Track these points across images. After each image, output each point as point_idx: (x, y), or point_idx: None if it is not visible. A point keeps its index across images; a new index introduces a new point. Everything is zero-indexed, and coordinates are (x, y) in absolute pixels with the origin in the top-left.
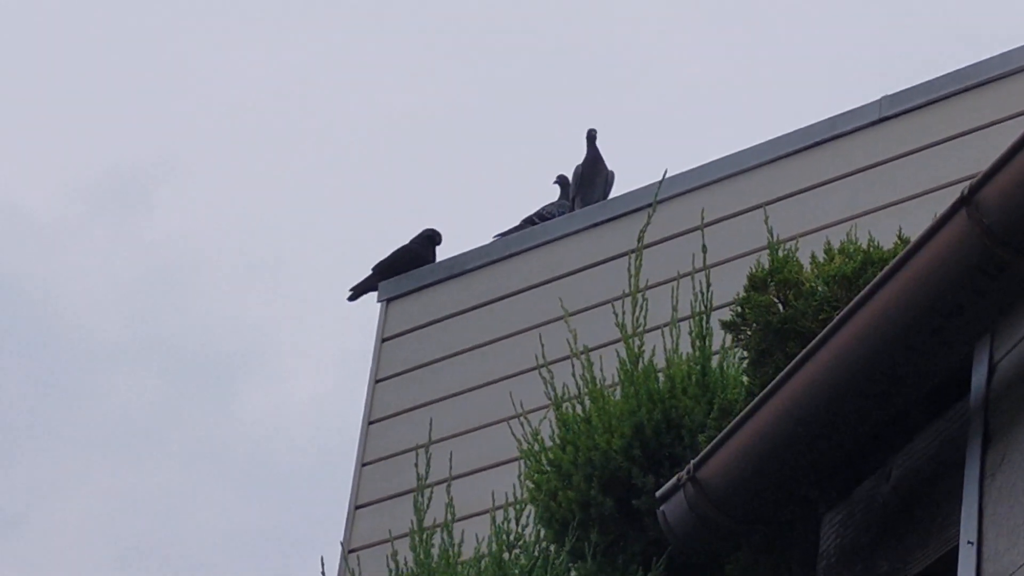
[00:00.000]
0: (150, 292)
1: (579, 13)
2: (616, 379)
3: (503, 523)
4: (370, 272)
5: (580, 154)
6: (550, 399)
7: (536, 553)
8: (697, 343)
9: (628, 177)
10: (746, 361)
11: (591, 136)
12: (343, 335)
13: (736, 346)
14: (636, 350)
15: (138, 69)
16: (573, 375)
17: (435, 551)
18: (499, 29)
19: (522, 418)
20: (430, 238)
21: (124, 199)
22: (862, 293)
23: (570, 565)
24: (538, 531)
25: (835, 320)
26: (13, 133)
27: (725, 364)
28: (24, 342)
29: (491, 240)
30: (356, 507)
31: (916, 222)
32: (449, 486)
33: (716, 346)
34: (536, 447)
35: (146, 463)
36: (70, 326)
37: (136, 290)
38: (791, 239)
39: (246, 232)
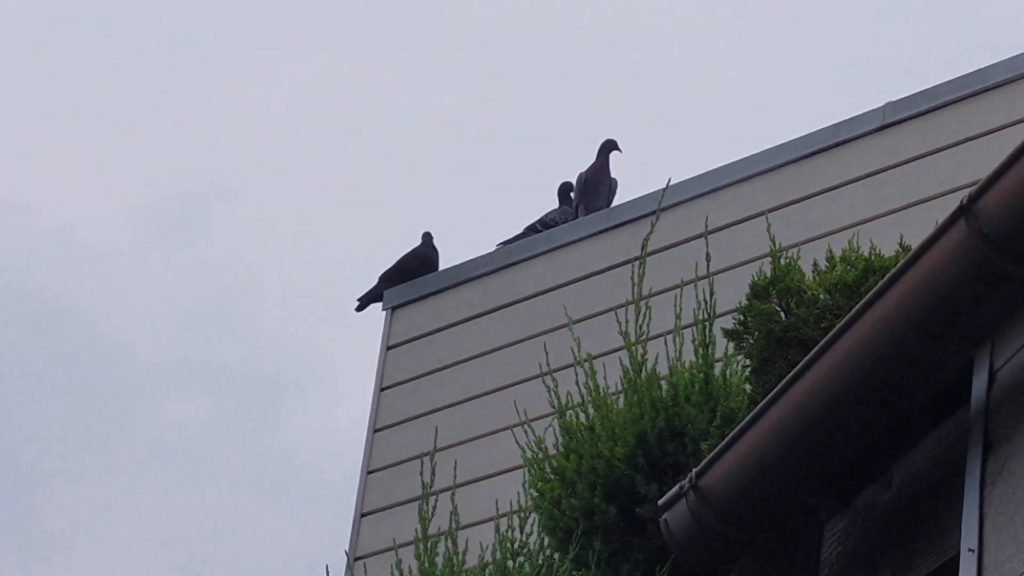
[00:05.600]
0: (203, 315)
1: (582, 23)
2: (619, 387)
3: (507, 531)
4: (377, 281)
5: (582, 162)
6: (554, 407)
7: (540, 561)
8: (700, 351)
9: (632, 185)
10: (748, 369)
11: (608, 146)
12: None
13: (738, 354)
14: (639, 358)
15: (191, 95)
16: (577, 383)
17: (439, 559)
18: (502, 41)
19: (526, 426)
20: (430, 243)
21: (178, 223)
22: (863, 301)
23: (574, 573)
24: (542, 539)
25: (836, 328)
26: (69, 158)
27: (728, 372)
28: (76, 364)
29: (494, 248)
30: (362, 515)
31: (919, 229)
32: (453, 494)
33: (719, 354)
34: (540, 455)
35: (196, 484)
36: (122, 348)
37: (189, 313)
38: (793, 247)
39: (299, 253)
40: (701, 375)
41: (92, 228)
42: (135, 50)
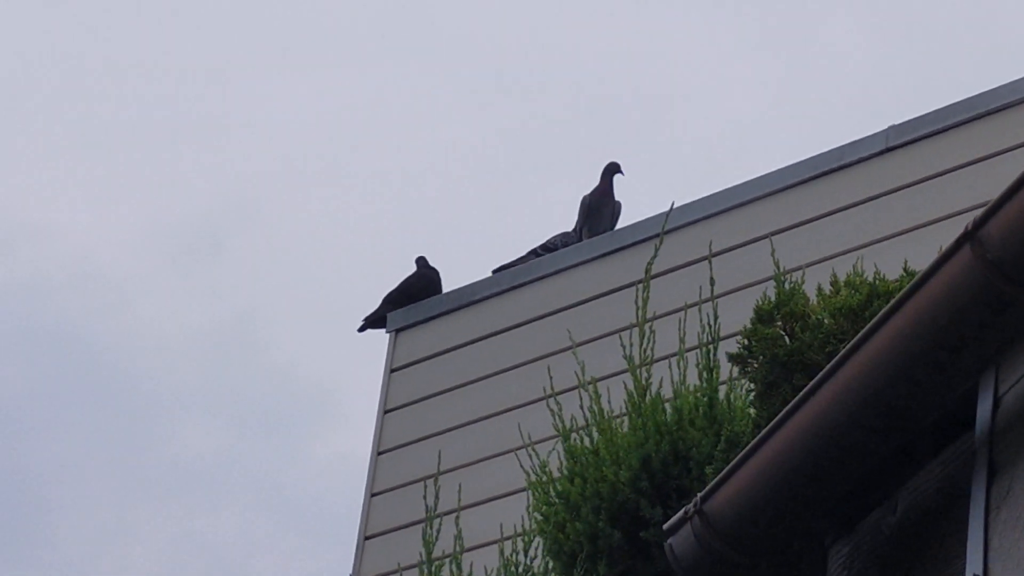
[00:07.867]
0: (218, 340)
1: (587, 47)
2: (624, 410)
3: (511, 555)
4: (380, 303)
5: (586, 185)
6: (558, 430)
7: None
8: (704, 374)
9: (636, 208)
10: (753, 393)
11: (611, 169)
12: None
13: (743, 378)
14: (643, 381)
15: (208, 123)
16: (581, 406)
17: None
18: (506, 65)
19: (530, 449)
20: (432, 268)
21: (193, 248)
22: (867, 327)
23: None
24: (546, 563)
25: (841, 353)
26: (86, 184)
27: (732, 396)
28: (94, 389)
29: (491, 273)
30: (365, 538)
31: (923, 253)
32: (458, 517)
33: (723, 377)
34: (544, 478)
35: (212, 510)
36: (139, 374)
37: (204, 338)
38: (797, 269)
39: (314, 278)
40: (705, 399)
41: (109, 253)
42: (154, 75)
